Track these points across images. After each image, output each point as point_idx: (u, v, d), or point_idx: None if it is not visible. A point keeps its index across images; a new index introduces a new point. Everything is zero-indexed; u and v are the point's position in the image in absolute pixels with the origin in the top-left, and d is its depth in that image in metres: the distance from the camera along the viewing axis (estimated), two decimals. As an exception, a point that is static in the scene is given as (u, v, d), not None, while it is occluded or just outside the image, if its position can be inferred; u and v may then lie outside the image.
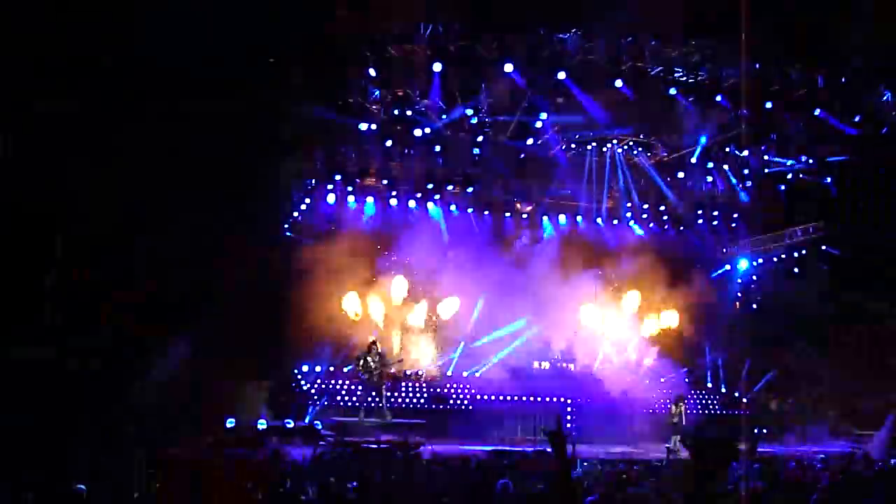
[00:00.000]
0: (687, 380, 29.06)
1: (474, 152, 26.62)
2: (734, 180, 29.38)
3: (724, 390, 30.17)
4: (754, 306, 32.12)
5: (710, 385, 30.65)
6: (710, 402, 29.62)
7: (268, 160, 21.75)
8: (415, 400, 26.14)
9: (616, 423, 25.29)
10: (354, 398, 24.14)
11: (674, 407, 23.56)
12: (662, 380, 28.27)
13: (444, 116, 24.82)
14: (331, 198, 27.91)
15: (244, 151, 19.32)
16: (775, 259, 31.16)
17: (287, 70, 21.66)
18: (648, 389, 27.55)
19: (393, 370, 24.55)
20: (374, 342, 23.75)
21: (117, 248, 17.71)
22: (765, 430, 26.63)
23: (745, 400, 29.58)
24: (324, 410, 23.62)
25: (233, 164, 19.00)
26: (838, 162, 26.15)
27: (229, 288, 22.08)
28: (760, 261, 31.91)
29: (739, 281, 32.51)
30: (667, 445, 22.02)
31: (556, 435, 4.39)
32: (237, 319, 22.70)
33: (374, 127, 24.59)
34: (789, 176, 27.60)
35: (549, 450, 4.55)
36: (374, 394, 22.96)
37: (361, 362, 23.15)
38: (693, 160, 28.22)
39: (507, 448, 19.26)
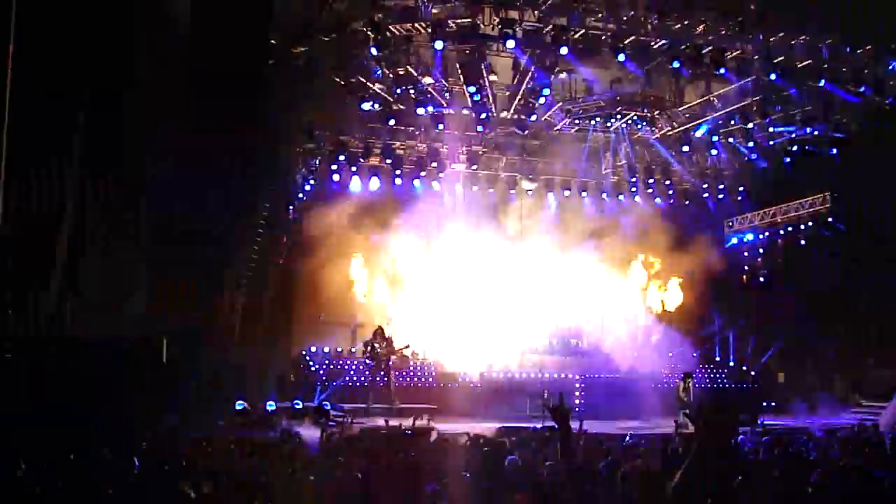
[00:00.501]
0: (695, 354, 29.08)
1: (477, 129, 26.55)
2: (741, 153, 29.26)
3: (731, 364, 30.20)
4: (761, 279, 32.03)
5: (717, 359, 30.66)
6: (717, 375, 29.62)
7: (273, 140, 21.72)
8: (423, 379, 26.22)
9: (624, 399, 25.29)
10: (363, 382, 24.17)
11: (681, 384, 23.54)
12: (670, 354, 28.25)
13: (446, 94, 24.79)
14: (336, 178, 27.82)
15: (249, 132, 19.29)
16: (781, 232, 31.06)
17: (289, 51, 21.66)
18: (656, 364, 27.53)
19: (400, 355, 24.47)
20: (380, 327, 23.76)
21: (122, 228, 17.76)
22: (773, 403, 26.65)
23: (752, 373, 29.61)
24: (332, 393, 23.66)
25: (238, 144, 18.99)
26: (844, 134, 26.03)
27: (237, 269, 22.16)
28: (767, 234, 31.81)
29: (746, 254, 32.42)
30: (675, 419, 22.06)
31: (558, 410, 4.38)
32: (247, 300, 22.82)
33: (377, 106, 24.56)
34: (795, 148, 27.43)
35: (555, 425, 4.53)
36: (382, 379, 22.97)
37: (369, 348, 23.17)
38: (698, 134, 28.16)
39: (516, 425, 19.26)
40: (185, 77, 18.05)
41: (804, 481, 7.95)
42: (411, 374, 26.02)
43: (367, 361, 23.40)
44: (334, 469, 9.25)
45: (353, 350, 26.12)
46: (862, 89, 23.60)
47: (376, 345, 22.87)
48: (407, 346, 24.87)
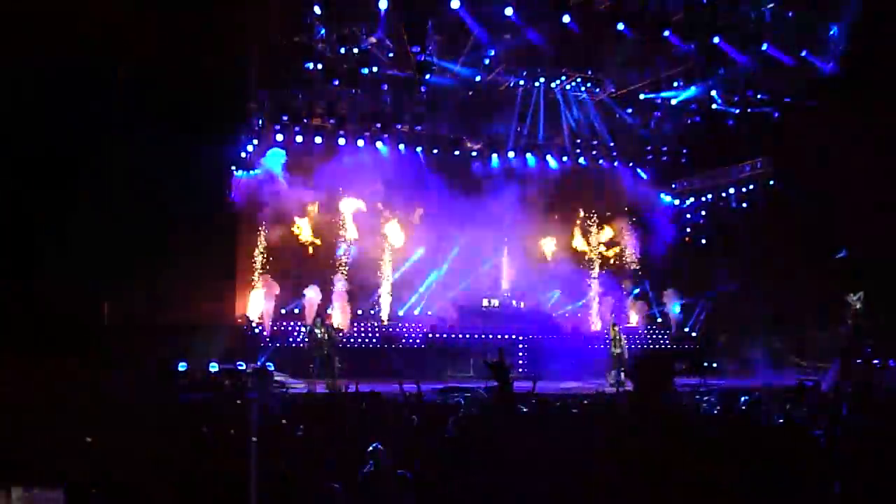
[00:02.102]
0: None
1: (422, 90, 26.40)
2: (683, 115, 29.47)
3: (673, 326, 30.57)
4: (703, 241, 32.44)
5: (659, 321, 31.03)
6: (659, 337, 30.02)
7: (215, 100, 21.40)
8: (366, 341, 26.25)
9: (567, 360, 25.53)
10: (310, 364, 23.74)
11: (613, 331, 23.58)
12: (612, 314, 28.53)
13: (390, 55, 24.58)
14: (279, 137, 27.52)
15: (191, 91, 19.03)
16: (723, 194, 31.43)
17: (232, 10, 21.29)
18: (599, 325, 27.86)
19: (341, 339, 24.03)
20: (321, 314, 23.42)
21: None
22: (714, 365, 27.03)
23: (693, 335, 30.04)
24: (274, 354, 23.52)
25: (180, 102, 18.74)
26: (786, 98, 26.28)
27: (179, 229, 21.90)
28: (709, 196, 32.18)
29: (688, 216, 32.76)
30: (610, 381, 22.36)
31: (497, 366, 4.38)
32: (188, 261, 22.57)
33: (320, 66, 24.28)
34: (737, 112, 27.66)
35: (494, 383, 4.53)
36: (321, 365, 22.38)
37: (310, 334, 22.84)
38: (641, 96, 28.27)
39: (458, 385, 19.37)
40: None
41: (747, 439, 8.06)
42: (355, 337, 26.03)
43: (309, 348, 22.86)
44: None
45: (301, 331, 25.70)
46: (804, 54, 23.78)
47: (317, 331, 22.48)
48: (340, 330, 24.49)
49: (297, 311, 26.56)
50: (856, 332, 24.61)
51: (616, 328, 23.68)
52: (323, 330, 22.35)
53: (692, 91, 27.02)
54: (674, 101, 28.45)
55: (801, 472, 6.55)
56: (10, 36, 15.16)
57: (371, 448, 7.48)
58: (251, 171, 26.68)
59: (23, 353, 11.93)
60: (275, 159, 27.04)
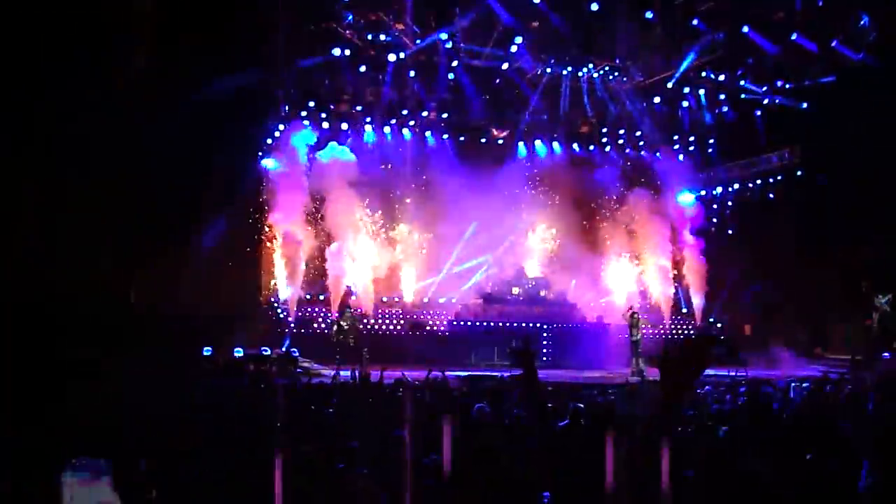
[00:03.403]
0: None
1: (449, 78, 26.35)
2: (711, 105, 29.30)
3: (698, 316, 30.37)
4: (730, 232, 32.24)
5: (685, 310, 30.86)
6: (685, 327, 29.87)
7: (242, 86, 21.41)
8: (391, 327, 26.31)
9: (590, 349, 25.52)
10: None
11: (632, 318, 23.45)
12: (637, 305, 28.36)
13: (418, 41, 24.53)
14: (305, 123, 27.52)
15: (218, 77, 19.07)
16: (750, 185, 31.20)
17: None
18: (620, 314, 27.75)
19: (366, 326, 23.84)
20: (346, 305, 23.25)
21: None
22: (741, 357, 26.84)
23: (719, 325, 29.85)
24: (300, 340, 23.59)
25: (207, 88, 18.78)
26: (816, 87, 26.02)
27: (204, 216, 21.95)
28: (736, 186, 31.96)
29: (715, 207, 32.54)
30: (631, 369, 22.32)
31: (522, 353, 4.36)
32: (215, 250, 22.64)
33: (347, 53, 24.28)
34: (766, 101, 27.47)
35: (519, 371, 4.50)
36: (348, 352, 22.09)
37: (335, 327, 22.76)
38: (669, 85, 28.08)
39: (482, 373, 19.36)
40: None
41: (769, 429, 8.04)
42: (380, 323, 26.10)
43: (336, 339, 22.70)
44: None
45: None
46: (833, 44, 23.54)
47: (343, 323, 22.41)
48: (366, 316, 24.42)
49: (321, 297, 26.64)
50: (883, 332, 24.52)
51: (636, 315, 23.58)
52: (349, 320, 22.33)
53: (721, 80, 26.82)
54: (702, 91, 28.26)
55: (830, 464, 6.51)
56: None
57: (395, 434, 7.49)
58: (277, 157, 26.65)
59: (47, 343, 11.97)
60: (301, 143, 27.01)
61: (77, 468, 3.94)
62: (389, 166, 29.50)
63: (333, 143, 26.97)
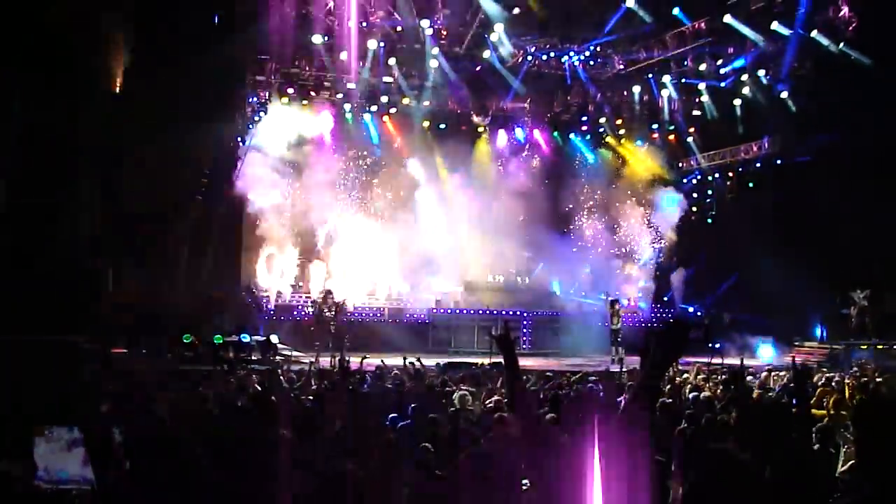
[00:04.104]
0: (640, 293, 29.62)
1: (430, 65, 26.26)
2: (692, 94, 29.36)
3: (679, 304, 30.47)
4: (709, 220, 32.39)
5: (665, 299, 30.93)
6: (665, 315, 29.94)
7: (222, 73, 21.26)
8: (371, 316, 26.27)
9: (570, 336, 25.62)
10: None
11: (609, 308, 23.72)
12: (617, 292, 28.38)
13: (399, 28, 24.45)
14: (285, 110, 27.44)
15: (195, 64, 18.92)
16: (731, 174, 31.35)
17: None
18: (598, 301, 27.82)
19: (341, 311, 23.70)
20: (328, 292, 23.16)
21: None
22: (717, 345, 26.93)
23: (699, 314, 29.92)
24: (279, 326, 23.55)
25: (183, 75, 18.64)
26: (796, 77, 26.10)
27: (185, 205, 21.86)
28: (716, 175, 32.08)
29: (695, 195, 32.61)
30: (611, 357, 22.47)
31: (502, 339, 4.36)
32: (194, 235, 22.53)
33: (327, 39, 24.17)
34: (746, 90, 27.52)
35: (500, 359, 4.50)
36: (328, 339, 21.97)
37: (315, 315, 22.60)
38: (650, 74, 28.11)
39: (462, 360, 19.39)
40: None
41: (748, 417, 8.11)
42: (360, 312, 26.04)
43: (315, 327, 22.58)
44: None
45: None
46: (814, 33, 23.57)
47: (325, 311, 22.27)
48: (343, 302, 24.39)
49: (300, 285, 26.66)
50: (860, 327, 24.79)
51: (615, 305, 23.76)
52: (330, 306, 22.22)
53: (701, 69, 26.82)
54: (683, 80, 28.28)
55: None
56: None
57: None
58: (256, 143, 26.55)
59: (29, 331, 11.88)
60: (278, 128, 26.97)
61: (50, 439, 3.93)
62: (366, 152, 29.68)
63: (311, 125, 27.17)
